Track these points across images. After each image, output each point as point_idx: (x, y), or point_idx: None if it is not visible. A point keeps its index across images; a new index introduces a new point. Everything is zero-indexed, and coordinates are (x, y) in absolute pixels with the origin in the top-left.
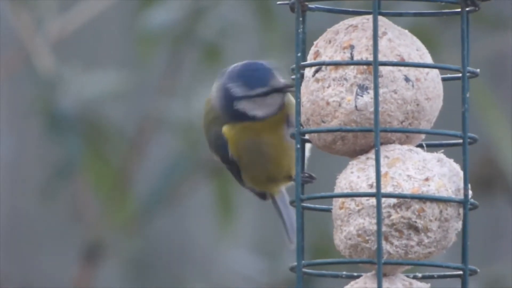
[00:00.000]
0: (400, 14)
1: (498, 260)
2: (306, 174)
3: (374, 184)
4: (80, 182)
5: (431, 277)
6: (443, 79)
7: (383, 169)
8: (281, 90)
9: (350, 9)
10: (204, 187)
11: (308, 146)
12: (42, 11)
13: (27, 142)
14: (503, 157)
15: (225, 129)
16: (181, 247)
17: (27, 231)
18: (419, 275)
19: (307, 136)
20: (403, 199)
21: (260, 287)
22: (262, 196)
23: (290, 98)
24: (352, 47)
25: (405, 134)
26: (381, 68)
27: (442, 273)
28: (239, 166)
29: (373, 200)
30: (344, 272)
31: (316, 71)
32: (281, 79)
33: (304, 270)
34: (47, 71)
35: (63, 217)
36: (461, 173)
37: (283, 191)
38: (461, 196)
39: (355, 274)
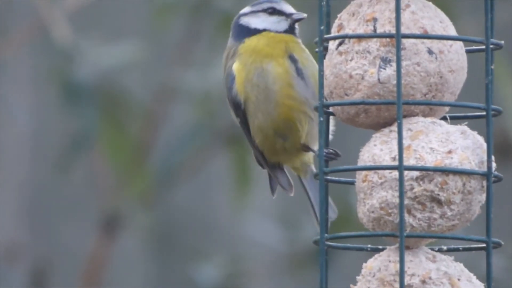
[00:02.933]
0: None
1: None
2: (331, 150)
3: (397, 157)
4: (97, 152)
5: (456, 249)
6: (467, 51)
7: (406, 142)
8: (287, 15)
9: None
10: (222, 156)
11: (331, 120)
12: None
13: (45, 113)
14: None
15: (235, 66)
16: (199, 218)
17: (45, 202)
18: (444, 248)
19: (331, 109)
20: (426, 171)
21: (281, 258)
22: (276, 171)
23: (300, 45)
24: (375, 19)
25: (429, 106)
26: (404, 40)
27: (467, 246)
28: (246, 115)
29: (395, 173)
30: (369, 245)
31: (339, 44)
32: (292, 9)
33: (328, 243)
34: (64, 42)
35: (81, 187)
36: (485, 145)
37: (310, 172)
38: (484, 169)
39: (380, 247)
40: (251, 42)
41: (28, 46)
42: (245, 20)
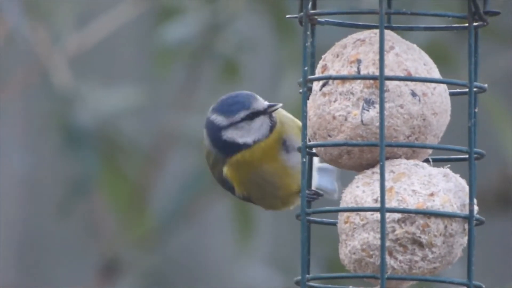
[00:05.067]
0: (411, 28)
1: None
2: (312, 191)
3: (379, 199)
4: (97, 197)
5: None
6: (451, 94)
7: (388, 184)
8: (265, 111)
9: (360, 23)
10: (221, 202)
11: (315, 161)
12: (59, 27)
13: (43, 158)
14: None
15: (226, 170)
16: (198, 263)
17: (43, 247)
18: None
19: (314, 150)
20: (408, 214)
21: None
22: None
23: (284, 122)
24: (359, 61)
25: (411, 149)
26: (387, 82)
27: None
28: (252, 201)
29: (377, 215)
30: (351, 286)
31: (323, 85)
32: (264, 102)
33: (310, 284)
34: (64, 86)
35: (80, 232)
36: (467, 188)
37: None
38: (466, 212)
39: None
40: (243, 158)
41: (27, 90)
42: (228, 136)
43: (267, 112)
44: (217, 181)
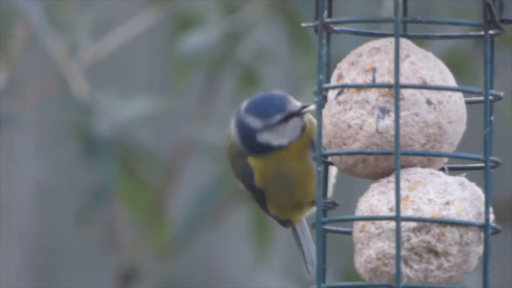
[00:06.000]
0: (427, 37)
1: None
2: (329, 200)
3: (394, 208)
4: (115, 206)
5: None
6: (467, 102)
7: (403, 192)
8: (299, 113)
9: (375, 32)
10: (240, 212)
11: (333, 171)
12: (78, 36)
13: (61, 166)
14: None
15: (251, 160)
16: (215, 273)
17: (61, 257)
18: None
19: (329, 159)
20: (423, 222)
21: None
22: (284, 223)
23: (312, 122)
24: (374, 69)
25: (427, 157)
26: (402, 91)
27: None
28: (265, 195)
29: (392, 224)
30: None
31: (339, 94)
32: (297, 102)
33: None
34: (82, 96)
35: (98, 242)
36: (483, 197)
37: (303, 221)
38: (482, 220)
39: None
40: (280, 155)
41: (44, 98)
42: (263, 138)
43: (300, 113)
44: (234, 168)
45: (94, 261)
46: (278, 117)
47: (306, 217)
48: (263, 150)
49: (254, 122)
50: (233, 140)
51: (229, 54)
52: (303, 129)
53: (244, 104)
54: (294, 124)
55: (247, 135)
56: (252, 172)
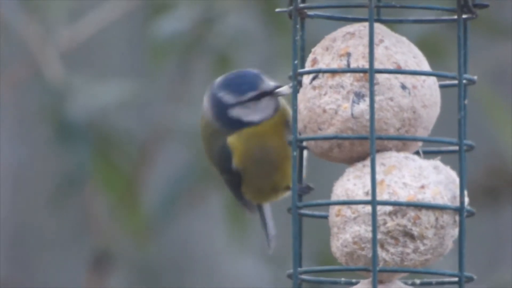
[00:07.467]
0: (400, 21)
1: (502, 268)
2: (304, 185)
3: (370, 192)
4: (89, 190)
5: (429, 283)
6: (441, 86)
7: (379, 177)
8: (272, 92)
9: (349, 16)
10: (214, 195)
11: (305, 154)
12: (52, 21)
13: (34, 151)
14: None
15: (231, 140)
16: (190, 256)
17: (34, 241)
18: (417, 281)
19: (305, 143)
20: (399, 206)
21: None
22: (252, 208)
23: (285, 101)
24: (348, 54)
25: (402, 141)
26: (377, 75)
27: (440, 280)
28: (241, 179)
29: (368, 208)
30: (343, 279)
31: (313, 79)
32: (271, 82)
33: (302, 277)
34: (56, 80)
35: (72, 226)
36: (458, 180)
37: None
38: (457, 204)
39: (353, 280)
40: (255, 131)
41: (18, 83)
42: (234, 114)
43: (273, 93)
44: (210, 150)
45: (68, 246)
46: (250, 94)
47: (279, 201)
48: (234, 125)
49: (226, 97)
50: (205, 115)
51: (202, 38)
52: (277, 109)
53: (218, 79)
54: (266, 103)
55: (219, 110)
56: (230, 153)
